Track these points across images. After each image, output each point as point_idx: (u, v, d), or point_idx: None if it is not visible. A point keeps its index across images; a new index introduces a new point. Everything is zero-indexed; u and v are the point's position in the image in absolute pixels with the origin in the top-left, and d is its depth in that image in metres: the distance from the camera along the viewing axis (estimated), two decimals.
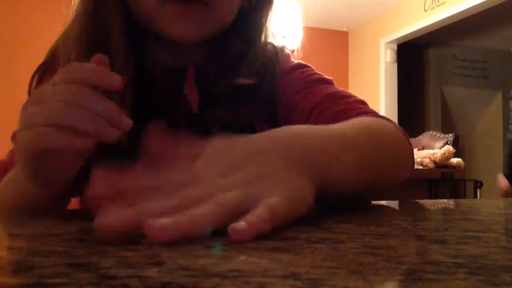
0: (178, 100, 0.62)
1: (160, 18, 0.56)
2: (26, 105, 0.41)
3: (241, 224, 0.26)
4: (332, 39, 5.12)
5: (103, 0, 0.58)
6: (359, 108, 0.61)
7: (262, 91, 0.64)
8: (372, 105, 0.64)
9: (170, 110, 0.62)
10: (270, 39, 0.71)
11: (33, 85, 0.63)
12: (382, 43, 4.60)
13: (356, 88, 5.01)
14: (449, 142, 2.45)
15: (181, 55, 0.64)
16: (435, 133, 2.77)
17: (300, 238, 0.29)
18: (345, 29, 5.15)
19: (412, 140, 2.87)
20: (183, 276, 0.19)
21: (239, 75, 0.63)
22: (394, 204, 0.59)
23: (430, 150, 2.14)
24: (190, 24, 0.56)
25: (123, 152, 0.45)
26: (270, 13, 0.68)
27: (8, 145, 0.60)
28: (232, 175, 0.32)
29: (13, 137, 0.51)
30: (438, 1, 3.87)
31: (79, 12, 0.61)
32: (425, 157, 2.06)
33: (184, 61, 0.63)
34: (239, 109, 0.63)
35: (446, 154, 2.05)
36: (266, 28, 0.70)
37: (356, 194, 0.47)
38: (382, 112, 4.50)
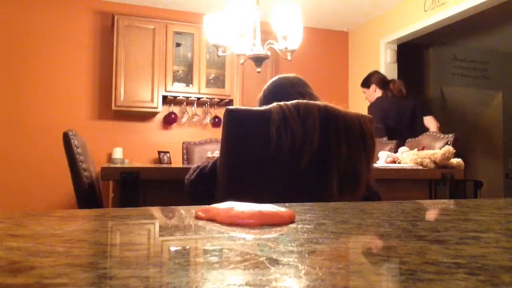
0: None
1: None
2: None
3: None
4: (332, 39, 5.12)
5: None
6: None
7: None
8: None
9: None
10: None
11: None
12: (382, 43, 4.59)
13: (356, 88, 5.01)
14: (449, 143, 2.45)
15: None
16: (435, 133, 2.76)
17: (301, 238, 0.29)
18: (345, 29, 5.15)
19: (412, 140, 2.87)
20: (183, 276, 0.19)
21: None
22: (394, 204, 0.59)
23: (430, 151, 2.14)
24: None
25: None
26: None
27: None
28: None
29: None
30: (438, 1, 3.87)
31: None
32: (425, 157, 2.06)
33: None
34: None
35: (446, 154, 2.04)
36: None
37: None
38: None
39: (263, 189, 1.27)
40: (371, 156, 1.38)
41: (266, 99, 1.45)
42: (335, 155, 1.27)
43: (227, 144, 1.28)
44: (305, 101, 1.30)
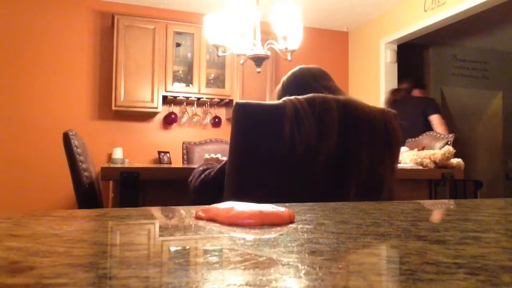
0: None
1: None
2: None
3: None
4: (332, 39, 5.12)
5: None
6: None
7: None
8: None
9: None
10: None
11: None
12: (382, 43, 4.60)
13: (356, 89, 5.02)
14: (449, 143, 2.46)
15: None
16: (435, 133, 2.76)
17: (301, 238, 0.29)
18: (345, 29, 5.15)
19: (412, 140, 2.87)
20: (183, 276, 0.19)
21: None
22: (394, 204, 0.59)
23: (430, 151, 2.14)
24: None
25: None
26: None
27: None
28: None
29: None
30: (438, 1, 3.87)
31: None
32: (425, 157, 2.06)
33: None
34: None
35: (446, 155, 2.04)
36: None
37: None
38: None
39: (274, 192, 1.14)
40: (395, 157, 1.21)
41: (285, 92, 1.28)
42: (355, 158, 1.12)
43: (236, 140, 1.15)
44: (322, 95, 1.14)
